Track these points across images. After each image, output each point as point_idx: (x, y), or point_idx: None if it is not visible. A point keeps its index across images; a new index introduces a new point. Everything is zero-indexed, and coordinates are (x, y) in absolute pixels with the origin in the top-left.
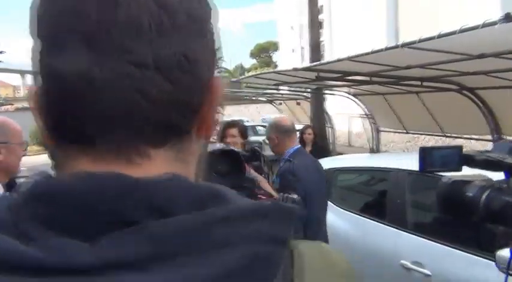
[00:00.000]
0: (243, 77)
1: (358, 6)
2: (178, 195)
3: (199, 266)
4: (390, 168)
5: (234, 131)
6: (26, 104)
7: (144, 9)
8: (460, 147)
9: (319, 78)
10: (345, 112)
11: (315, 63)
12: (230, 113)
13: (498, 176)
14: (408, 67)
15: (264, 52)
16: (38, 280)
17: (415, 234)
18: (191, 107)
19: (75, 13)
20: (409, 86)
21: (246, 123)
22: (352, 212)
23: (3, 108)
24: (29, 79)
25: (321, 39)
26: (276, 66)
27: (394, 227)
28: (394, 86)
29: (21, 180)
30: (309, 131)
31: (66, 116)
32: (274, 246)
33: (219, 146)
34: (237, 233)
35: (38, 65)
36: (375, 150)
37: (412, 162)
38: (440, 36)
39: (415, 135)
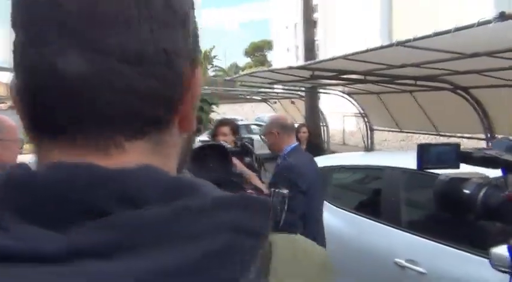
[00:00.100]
0: (237, 75)
1: (353, 5)
2: (150, 185)
3: (165, 256)
4: (384, 167)
5: (225, 129)
6: None
7: (122, 0)
8: (457, 145)
9: (313, 76)
10: (339, 111)
11: (309, 62)
12: (225, 111)
13: (494, 173)
14: (403, 66)
15: (258, 51)
16: (5, 267)
17: (409, 232)
18: (169, 99)
19: (51, 3)
20: (403, 85)
21: (241, 122)
22: (346, 210)
23: None
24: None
25: (315, 38)
26: (270, 65)
27: (388, 225)
28: (388, 85)
29: None
30: (304, 129)
31: (39, 108)
32: (246, 238)
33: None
34: (206, 224)
35: (13, 56)
36: (368, 148)
37: (406, 161)
38: (435, 34)
39: (409, 134)
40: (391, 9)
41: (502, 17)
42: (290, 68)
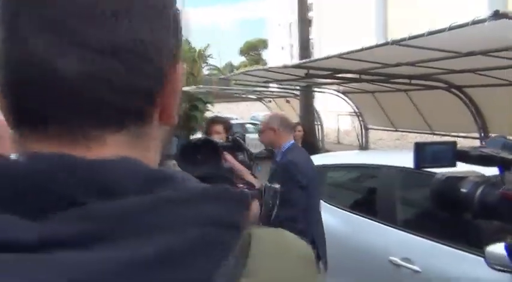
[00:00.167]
0: (232, 74)
1: (348, 4)
2: (128, 177)
3: (141, 247)
4: (380, 165)
5: (219, 127)
6: None
7: None
8: (454, 143)
9: (308, 75)
10: (333, 110)
11: (304, 61)
12: (219, 110)
13: (490, 171)
14: (397, 65)
15: (253, 50)
16: None
17: (405, 231)
18: (149, 92)
19: None
20: (398, 84)
21: (236, 121)
22: (341, 209)
23: None
24: None
25: (310, 37)
26: (265, 63)
27: (383, 224)
28: (383, 84)
29: None
30: (299, 128)
31: (21, 102)
32: (223, 230)
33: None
34: (182, 216)
35: None
36: (363, 147)
37: (401, 159)
38: (430, 33)
39: (404, 133)
40: (386, 8)
41: (496, 15)
42: (285, 66)
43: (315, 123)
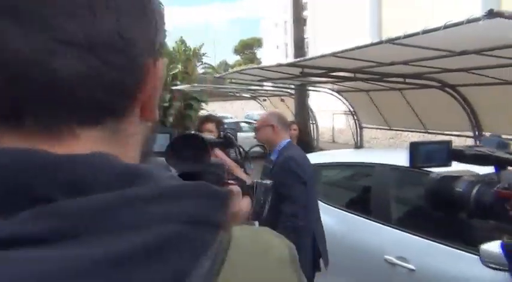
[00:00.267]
0: (227, 72)
1: (342, 2)
2: (97, 173)
3: (111, 244)
4: (375, 164)
5: (210, 125)
6: None
7: None
8: (449, 142)
9: (303, 74)
10: (328, 109)
11: (299, 59)
12: (214, 109)
13: (484, 170)
14: (392, 64)
15: (248, 48)
16: None
17: (400, 229)
18: (126, 87)
19: None
20: (392, 83)
21: (230, 120)
22: (336, 208)
23: None
24: None
25: (305, 36)
26: (260, 62)
27: (378, 223)
28: (377, 83)
29: None
30: (294, 126)
31: None
32: (197, 228)
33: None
34: (155, 213)
35: None
36: (358, 146)
37: (396, 158)
38: (425, 32)
39: (398, 132)
40: (381, 7)
41: (491, 14)
42: (279, 65)
43: (310, 122)
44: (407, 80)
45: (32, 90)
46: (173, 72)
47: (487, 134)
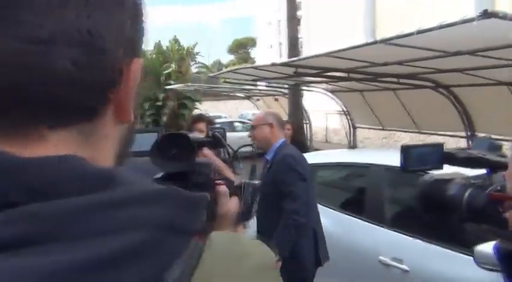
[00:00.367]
0: (220, 72)
1: (336, 2)
2: (66, 177)
3: (71, 252)
4: (369, 164)
5: (201, 125)
6: None
7: None
8: (441, 145)
9: (297, 74)
10: (322, 109)
11: (293, 59)
12: (208, 108)
13: (475, 173)
14: (386, 64)
15: (241, 48)
16: None
17: (394, 230)
18: (98, 88)
19: None
20: (386, 83)
21: (224, 119)
22: (330, 208)
23: None
24: None
25: (299, 35)
26: (254, 62)
27: (373, 223)
28: (371, 83)
29: None
30: (288, 126)
31: None
32: (169, 233)
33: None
34: (121, 219)
35: None
36: (352, 146)
37: (390, 158)
38: (419, 32)
39: (391, 132)
40: (375, 6)
41: (485, 14)
42: (273, 64)
43: (304, 121)
44: (401, 80)
45: None
46: (166, 71)
47: (481, 134)
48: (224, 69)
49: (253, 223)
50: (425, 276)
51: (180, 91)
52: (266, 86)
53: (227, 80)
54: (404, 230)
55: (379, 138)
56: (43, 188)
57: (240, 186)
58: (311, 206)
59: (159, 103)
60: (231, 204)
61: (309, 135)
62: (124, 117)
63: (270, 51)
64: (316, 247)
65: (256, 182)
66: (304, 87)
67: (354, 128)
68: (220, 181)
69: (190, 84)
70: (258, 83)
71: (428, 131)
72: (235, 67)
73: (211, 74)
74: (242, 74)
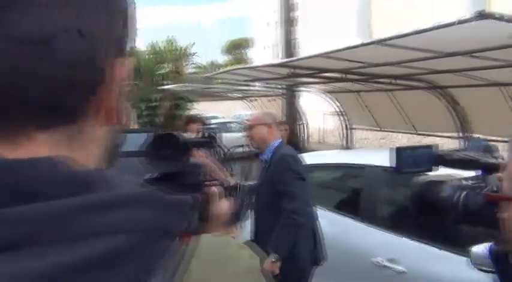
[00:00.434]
0: (216, 72)
1: (333, 3)
2: (50, 179)
3: (49, 258)
4: (365, 165)
5: (195, 125)
6: None
7: None
8: (434, 147)
9: (293, 74)
10: (318, 109)
11: (289, 59)
12: (204, 109)
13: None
14: (382, 64)
15: (237, 49)
16: None
17: (390, 231)
18: (82, 88)
19: None
20: (382, 84)
21: (219, 120)
22: (326, 209)
23: None
24: None
25: (295, 36)
26: (250, 62)
27: (368, 224)
28: (367, 84)
29: None
30: (285, 127)
31: None
32: (148, 238)
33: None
34: (101, 223)
35: None
36: (346, 147)
37: (387, 159)
38: (416, 32)
39: (389, 133)
40: (370, 7)
41: (482, 15)
42: (269, 65)
43: (299, 122)
44: (397, 81)
45: None
46: (160, 71)
47: (476, 135)
48: (217, 70)
49: (248, 224)
50: (421, 277)
51: (175, 91)
52: (262, 87)
53: (223, 81)
54: (400, 231)
55: (377, 138)
56: (27, 190)
57: (236, 187)
58: (310, 205)
59: (155, 104)
60: (223, 206)
61: (304, 135)
62: (111, 119)
63: (266, 52)
64: (314, 247)
65: (252, 183)
66: (300, 88)
67: (350, 129)
68: (213, 182)
69: (186, 84)
70: (254, 83)
71: (425, 132)
72: (231, 68)
73: (207, 75)
74: (238, 74)
